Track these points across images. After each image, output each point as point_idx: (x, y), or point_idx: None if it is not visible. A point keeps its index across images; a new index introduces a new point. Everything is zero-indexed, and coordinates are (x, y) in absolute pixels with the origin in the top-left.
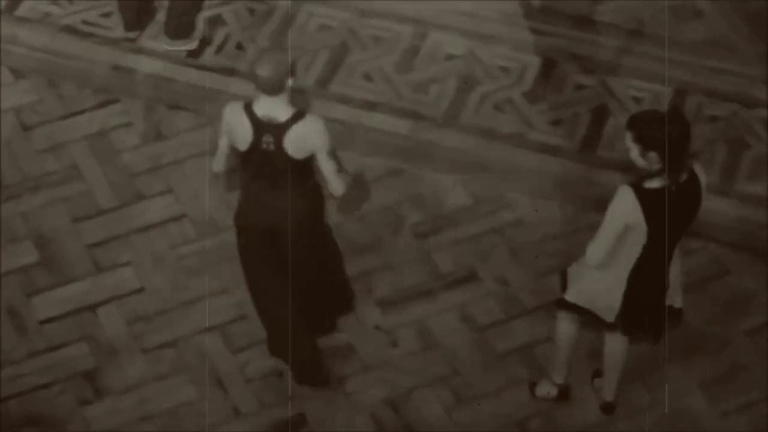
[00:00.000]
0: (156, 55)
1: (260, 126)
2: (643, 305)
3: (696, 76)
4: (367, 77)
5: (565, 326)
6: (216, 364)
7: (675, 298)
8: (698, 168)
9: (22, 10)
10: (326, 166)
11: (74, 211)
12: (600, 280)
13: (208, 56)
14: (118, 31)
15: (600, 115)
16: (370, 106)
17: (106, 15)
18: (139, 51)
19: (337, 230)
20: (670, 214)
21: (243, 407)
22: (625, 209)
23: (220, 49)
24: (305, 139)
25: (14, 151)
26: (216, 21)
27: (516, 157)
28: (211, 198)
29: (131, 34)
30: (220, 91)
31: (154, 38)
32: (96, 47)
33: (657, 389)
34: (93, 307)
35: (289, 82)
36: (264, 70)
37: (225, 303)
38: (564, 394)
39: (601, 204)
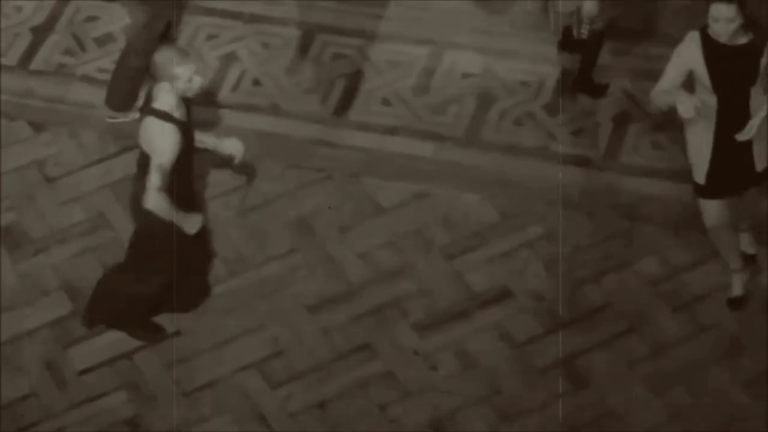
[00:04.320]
0: None
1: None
2: (729, 169)
3: None
4: (386, 102)
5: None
6: (257, 401)
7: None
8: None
9: (36, 63)
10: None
11: (104, 259)
12: (693, 137)
13: (224, 94)
14: None
15: (621, 121)
16: (391, 131)
17: None
18: None
19: (367, 257)
20: (735, 72)
21: None
22: (686, 50)
23: (236, 86)
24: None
25: (39, 204)
26: (230, 58)
27: (540, 170)
28: (239, 235)
29: (116, 115)
30: (239, 128)
31: None
32: None
33: None
34: (129, 355)
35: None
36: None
37: (260, 339)
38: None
39: (630, 210)
